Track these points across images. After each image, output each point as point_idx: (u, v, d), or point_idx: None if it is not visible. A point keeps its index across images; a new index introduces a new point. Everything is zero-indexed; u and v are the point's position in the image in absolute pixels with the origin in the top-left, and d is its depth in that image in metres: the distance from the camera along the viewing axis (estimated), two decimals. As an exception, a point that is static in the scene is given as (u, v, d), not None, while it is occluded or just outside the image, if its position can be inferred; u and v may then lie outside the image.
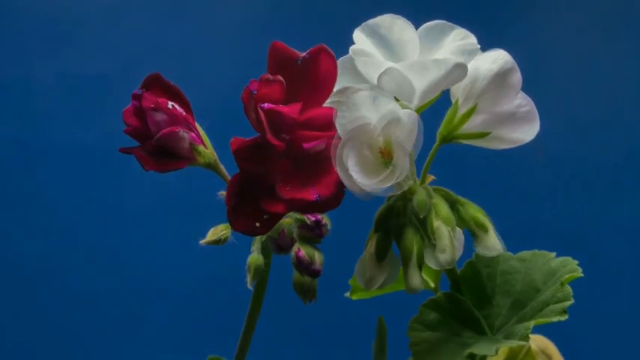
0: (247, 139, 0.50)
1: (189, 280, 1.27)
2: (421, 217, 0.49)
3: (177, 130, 0.53)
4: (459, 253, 0.50)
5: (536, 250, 0.57)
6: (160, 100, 0.54)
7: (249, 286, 0.57)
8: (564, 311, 0.52)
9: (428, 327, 0.54)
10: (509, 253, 0.58)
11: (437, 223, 0.49)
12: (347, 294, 0.68)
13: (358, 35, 0.51)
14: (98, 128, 1.26)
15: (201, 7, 1.35)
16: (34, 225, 1.28)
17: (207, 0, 1.36)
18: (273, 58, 0.52)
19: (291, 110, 0.50)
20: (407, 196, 0.51)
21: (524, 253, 0.57)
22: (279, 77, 0.50)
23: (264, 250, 0.57)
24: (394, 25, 0.51)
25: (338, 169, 0.48)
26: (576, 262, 0.55)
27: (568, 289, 0.53)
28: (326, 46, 0.52)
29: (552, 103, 1.24)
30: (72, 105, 1.30)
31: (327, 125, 0.50)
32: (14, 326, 1.26)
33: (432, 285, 0.66)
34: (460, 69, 0.48)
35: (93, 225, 1.28)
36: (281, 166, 0.50)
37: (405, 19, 0.51)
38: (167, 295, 1.27)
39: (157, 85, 0.55)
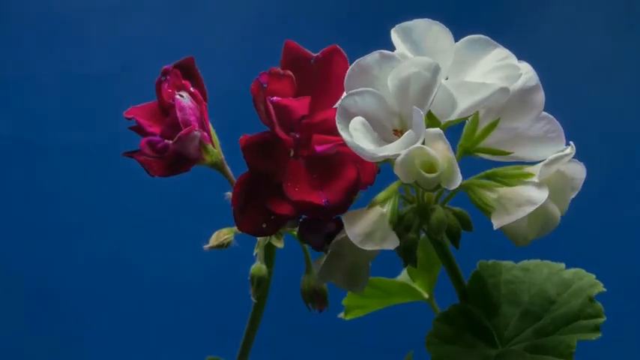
0: (256, 134, 0.50)
1: (189, 281, 1.26)
2: (438, 238, 0.48)
3: (194, 129, 0.52)
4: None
5: (539, 260, 0.57)
6: (184, 82, 0.54)
7: (254, 299, 0.57)
8: (597, 328, 0.51)
9: (445, 341, 0.53)
10: (511, 263, 0.57)
11: (494, 195, 0.48)
12: (341, 315, 0.68)
13: (395, 38, 0.49)
14: (98, 128, 1.26)
15: (202, 6, 1.35)
16: (34, 225, 1.27)
17: (208, 0, 1.36)
18: (287, 57, 0.52)
19: (300, 105, 0.50)
20: (422, 212, 0.49)
21: (527, 263, 0.57)
22: (289, 72, 0.50)
23: (267, 258, 0.57)
24: (429, 31, 0.49)
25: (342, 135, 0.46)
26: (593, 275, 0.54)
27: (599, 305, 0.52)
28: (339, 47, 0.52)
29: (557, 105, 1.24)
30: (72, 105, 1.30)
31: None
32: (14, 326, 1.26)
33: (426, 296, 0.66)
34: (503, 93, 0.47)
35: (93, 225, 1.28)
36: (290, 166, 0.50)
37: (442, 26, 0.49)
38: (167, 296, 1.27)
39: (185, 69, 0.54)
